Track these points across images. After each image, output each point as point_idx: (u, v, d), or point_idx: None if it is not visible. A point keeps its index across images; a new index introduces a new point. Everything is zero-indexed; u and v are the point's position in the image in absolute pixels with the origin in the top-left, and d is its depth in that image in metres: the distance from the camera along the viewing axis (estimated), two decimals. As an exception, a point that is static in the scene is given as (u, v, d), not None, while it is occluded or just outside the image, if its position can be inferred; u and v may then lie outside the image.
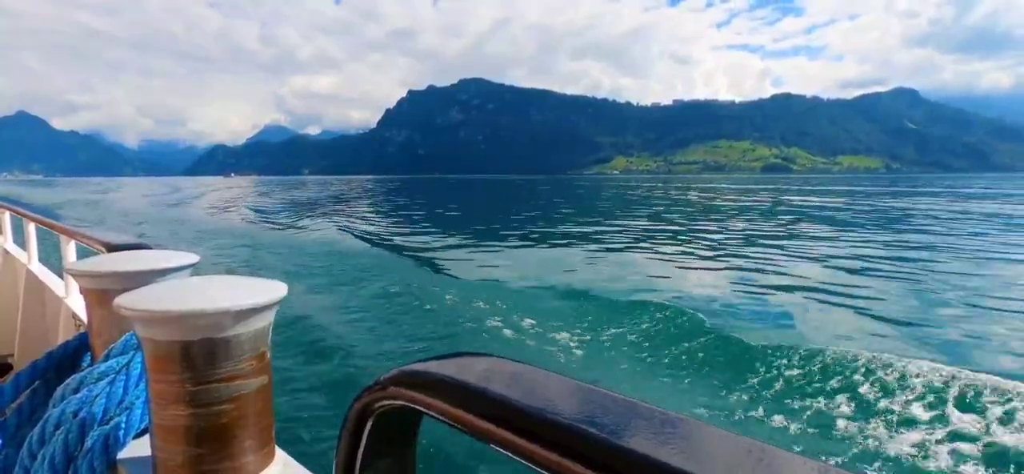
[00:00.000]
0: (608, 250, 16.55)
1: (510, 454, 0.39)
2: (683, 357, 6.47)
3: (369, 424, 0.51)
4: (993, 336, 7.42)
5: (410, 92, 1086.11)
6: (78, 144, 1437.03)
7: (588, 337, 7.15)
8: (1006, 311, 8.83)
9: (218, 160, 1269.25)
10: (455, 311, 8.48)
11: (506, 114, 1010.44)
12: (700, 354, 6.54)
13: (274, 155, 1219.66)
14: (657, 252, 16.15)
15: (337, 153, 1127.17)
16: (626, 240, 19.07)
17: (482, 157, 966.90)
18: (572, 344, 6.85)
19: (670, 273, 12.75)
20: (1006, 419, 4.63)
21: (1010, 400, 4.86)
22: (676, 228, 23.42)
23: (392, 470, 0.54)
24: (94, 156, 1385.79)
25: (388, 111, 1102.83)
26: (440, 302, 9.01)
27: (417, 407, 0.47)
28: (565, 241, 18.80)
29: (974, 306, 9.23)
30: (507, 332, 7.43)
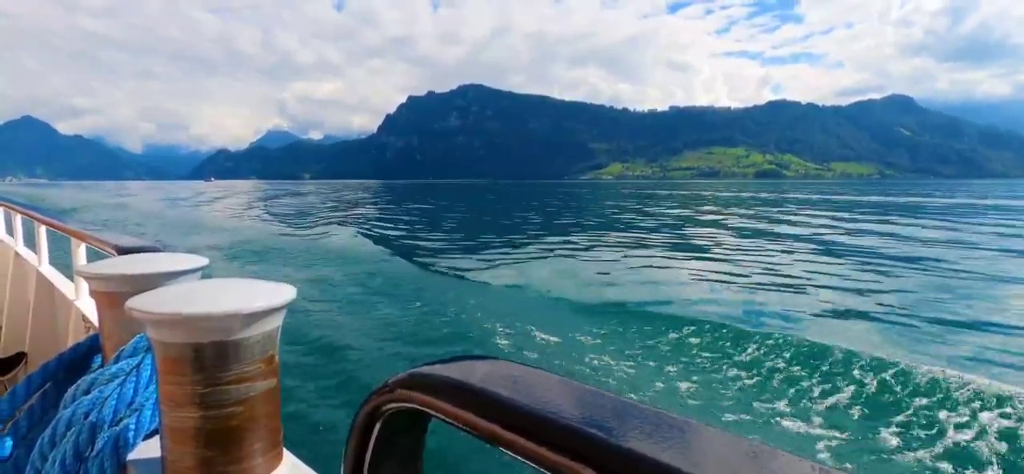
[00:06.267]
0: (607, 253, 16.97)
1: (518, 457, 0.39)
2: (685, 359, 6.53)
3: (377, 427, 0.52)
4: (992, 340, 7.52)
5: (410, 97, 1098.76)
6: (81, 148, 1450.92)
7: (592, 339, 7.21)
8: (1004, 314, 8.92)
9: (219, 164, 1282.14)
10: (462, 314, 8.50)
11: (504, 120, 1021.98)
12: (702, 356, 6.60)
13: (275, 160, 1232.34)
14: (655, 255, 16.58)
15: (337, 158, 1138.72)
16: (624, 243, 19.62)
17: (480, 162, 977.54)
18: (577, 346, 6.92)
19: (670, 275, 12.92)
20: (1001, 421, 4.74)
21: (1004, 403, 4.99)
22: (673, 231, 24.35)
23: (400, 473, 0.54)
24: (96, 160, 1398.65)
25: (388, 116, 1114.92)
26: (447, 305, 9.05)
27: (425, 410, 0.47)
28: (566, 245, 19.30)
29: (972, 308, 9.31)
30: (513, 335, 7.46)
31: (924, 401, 5.18)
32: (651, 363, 6.44)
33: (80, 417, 0.83)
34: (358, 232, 23.00)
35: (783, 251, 17.12)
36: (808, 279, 12.19)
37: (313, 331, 7.46)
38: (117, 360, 0.90)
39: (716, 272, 13.25)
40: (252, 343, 0.70)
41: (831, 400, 5.34)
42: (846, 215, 33.56)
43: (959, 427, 4.72)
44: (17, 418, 1.00)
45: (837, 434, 4.72)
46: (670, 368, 6.27)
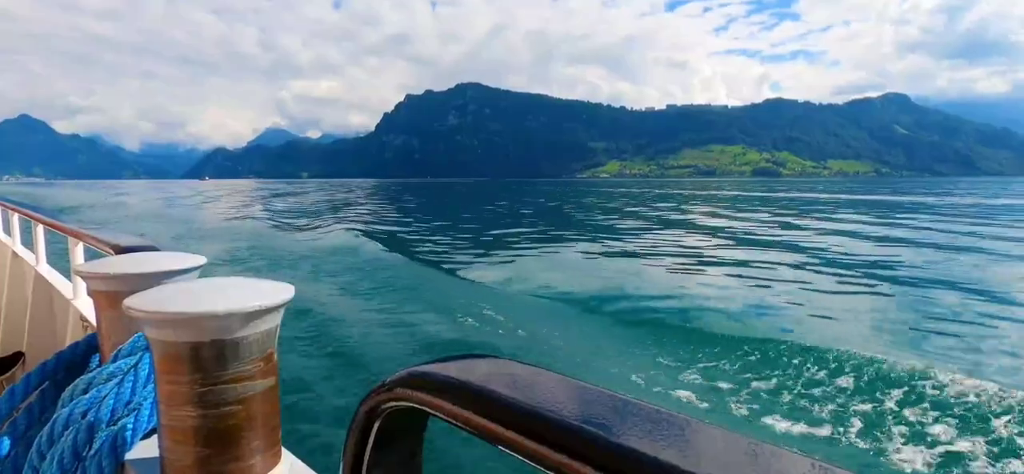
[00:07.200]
0: (606, 251, 17.00)
1: (517, 455, 0.39)
2: (685, 356, 6.53)
3: (376, 425, 0.52)
4: (988, 341, 7.50)
5: (408, 96, 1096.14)
6: (79, 147, 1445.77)
7: (591, 337, 7.23)
8: (1002, 317, 8.83)
9: (217, 163, 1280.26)
10: (461, 313, 8.47)
11: (502, 119, 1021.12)
12: (701, 353, 6.60)
13: (273, 158, 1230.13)
14: (655, 253, 16.58)
15: (335, 157, 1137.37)
16: (623, 241, 19.70)
17: (478, 161, 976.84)
18: (576, 345, 6.91)
19: (669, 274, 12.94)
20: (998, 421, 4.76)
21: (1000, 403, 5.01)
22: (671, 229, 24.51)
23: (398, 471, 0.54)
24: (95, 159, 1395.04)
25: (386, 115, 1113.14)
26: (445, 304, 9.01)
27: (424, 408, 0.47)
28: (563, 243, 19.40)
29: (970, 307, 9.24)
30: (512, 333, 7.44)
31: (923, 399, 5.18)
32: (650, 360, 6.41)
33: (78, 416, 0.82)
34: (356, 231, 23.10)
35: (781, 249, 17.31)
36: (806, 278, 12.19)
37: (312, 330, 7.43)
38: (115, 359, 0.89)
39: (715, 270, 13.25)
40: (251, 342, 0.70)
41: (830, 398, 5.34)
42: (843, 213, 33.88)
43: (958, 426, 4.74)
44: (15, 417, 1.00)
45: (836, 431, 4.73)
46: (670, 365, 6.26)
